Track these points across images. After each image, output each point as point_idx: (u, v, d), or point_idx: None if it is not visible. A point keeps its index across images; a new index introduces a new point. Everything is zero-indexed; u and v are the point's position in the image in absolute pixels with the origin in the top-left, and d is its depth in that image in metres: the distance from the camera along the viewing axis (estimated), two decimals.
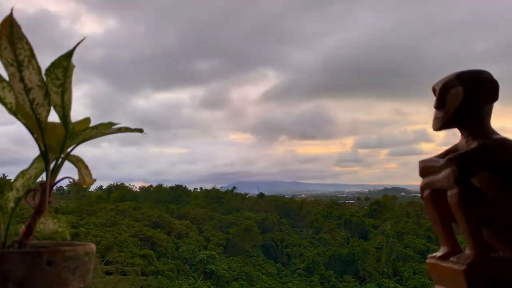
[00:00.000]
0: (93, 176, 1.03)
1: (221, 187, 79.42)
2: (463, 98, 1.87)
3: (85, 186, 1.04)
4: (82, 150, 0.95)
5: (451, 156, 1.82)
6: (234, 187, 72.17)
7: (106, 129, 0.90)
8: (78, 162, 1.01)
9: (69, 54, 0.81)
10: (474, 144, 1.85)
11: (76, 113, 0.89)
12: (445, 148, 2.03)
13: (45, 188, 0.88)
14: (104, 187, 66.86)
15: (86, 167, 1.03)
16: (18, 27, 0.77)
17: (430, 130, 1.99)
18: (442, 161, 1.85)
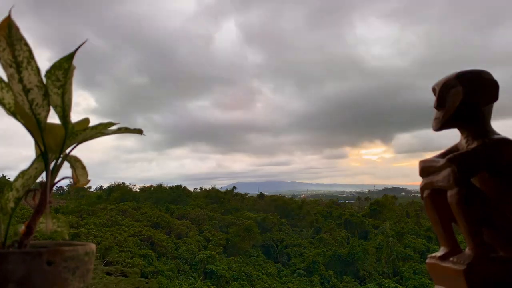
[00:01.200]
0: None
1: (221, 187, 79.35)
2: (463, 98, 1.87)
3: (78, 186, 1.04)
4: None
5: (451, 156, 1.82)
6: (234, 187, 72.12)
7: (105, 129, 0.90)
8: (76, 163, 1.01)
9: (70, 57, 0.81)
10: (474, 144, 1.85)
11: None
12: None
13: (45, 188, 0.88)
14: (104, 187, 66.91)
15: (83, 167, 1.03)
16: (17, 28, 0.77)
17: None
18: (442, 161, 1.85)
